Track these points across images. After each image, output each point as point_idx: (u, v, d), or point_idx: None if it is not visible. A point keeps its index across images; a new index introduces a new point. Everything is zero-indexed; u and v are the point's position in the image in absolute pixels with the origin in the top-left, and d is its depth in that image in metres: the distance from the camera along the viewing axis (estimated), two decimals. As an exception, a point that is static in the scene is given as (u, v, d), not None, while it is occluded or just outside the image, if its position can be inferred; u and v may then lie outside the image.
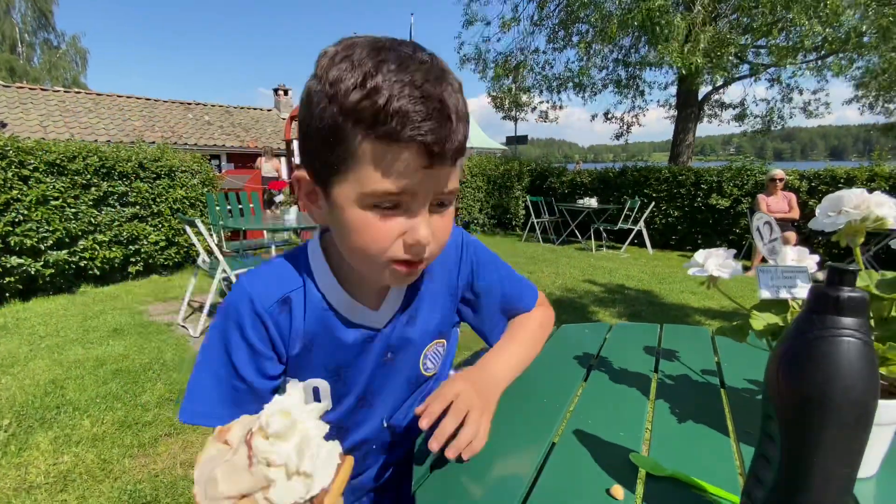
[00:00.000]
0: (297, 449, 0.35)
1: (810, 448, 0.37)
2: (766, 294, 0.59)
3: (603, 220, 7.07)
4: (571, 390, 0.79)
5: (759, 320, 0.60)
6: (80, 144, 4.28)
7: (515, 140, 13.34)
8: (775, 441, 0.40)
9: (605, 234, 7.13)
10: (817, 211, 0.56)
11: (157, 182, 4.74)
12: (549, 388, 0.80)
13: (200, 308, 3.56)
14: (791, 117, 10.73)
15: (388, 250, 0.51)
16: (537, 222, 7.42)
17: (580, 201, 7.14)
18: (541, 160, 8.86)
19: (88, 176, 4.22)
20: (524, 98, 11.28)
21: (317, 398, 0.65)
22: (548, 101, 11.38)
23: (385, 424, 0.70)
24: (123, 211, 4.50)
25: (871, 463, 0.56)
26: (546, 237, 7.52)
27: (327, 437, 0.39)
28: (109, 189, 4.37)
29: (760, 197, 5.23)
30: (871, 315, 0.49)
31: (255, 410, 0.44)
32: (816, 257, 0.67)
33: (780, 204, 5.13)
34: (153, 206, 4.70)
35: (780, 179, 5.21)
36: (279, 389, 0.63)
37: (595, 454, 0.60)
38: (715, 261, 0.65)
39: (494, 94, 11.13)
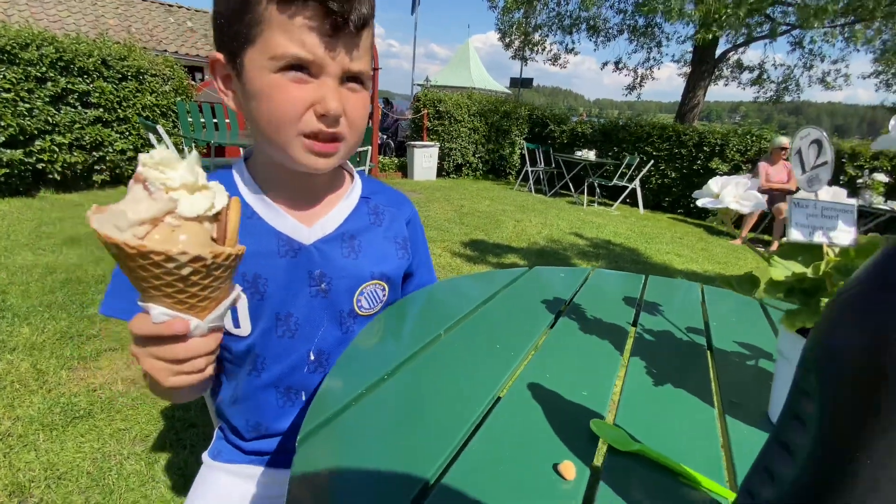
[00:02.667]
0: (188, 169, 0.36)
1: (864, 443, 0.24)
2: (797, 235, 0.44)
3: (599, 174, 6.85)
4: (532, 338, 0.66)
5: (781, 269, 0.46)
6: (34, 32, 3.83)
7: (520, 82, 12.65)
8: (807, 427, 0.26)
9: (598, 190, 6.94)
10: (892, 123, 0.40)
11: (123, 84, 4.33)
12: (507, 332, 0.67)
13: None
14: (809, 86, 10.32)
15: (298, 121, 0.52)
16: (531, 171, 7.16)
17: (578, 153, 6.86)
18: (544, 107, 8.40)
19: (44, 68, 3.81)
20: (535, 37, 10.54)
21: (234, 317, 0.54)
22: (559, 44, 10.67)
23: (312, 357, 0.63)
24: (85, 112, 4.13)
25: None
26: (539, 188, 7.29)
27: None
28: (69, 86, 3.97)
29: (762, 164, 5.05)
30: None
31: None
32: (855, 200, 0.52)
33: (780, 174, 4.98)
34: (119, 111, 4.33)
35: (786, 148, 5.01)
36: None
37: (547, 416, 0.48)
38: (733, 190, 0.50)
39: (504, 28, 10.37)
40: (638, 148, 6.94)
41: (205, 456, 0.71)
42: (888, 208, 4.52)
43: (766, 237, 5.62)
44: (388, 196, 0.73)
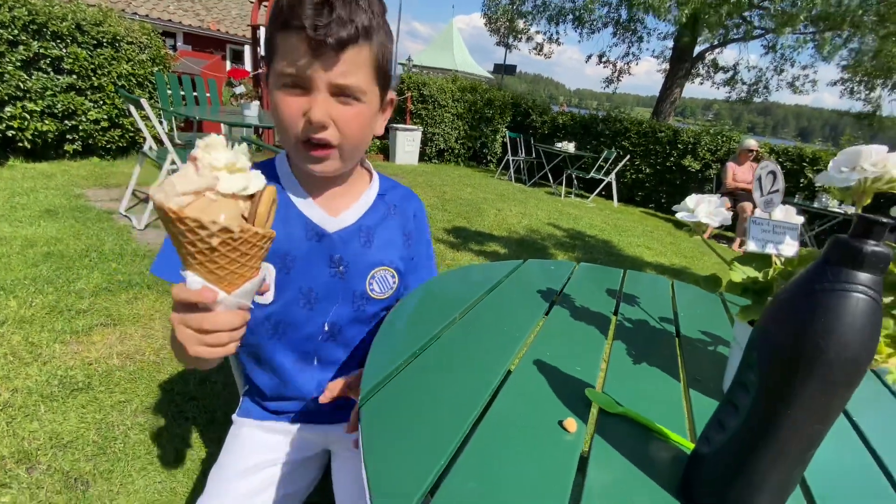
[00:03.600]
0: (232, 153, 0.42)
1: (787, 401, 0.35)
2: (753, 246, 0.56)
3: (577, 166, 7.03)
4: (532, 323, 0.77)
5: (738, 272, 0.58)
6: (4, -10, 3.62)
7: (503, 69, 12.66)
8: (749, 390, 0.38)
9: (576, 182, 7.14)
10: (830, 165, 0.51)
11: (98, 51, 4.16)
12: (510, 318, 0.78)
13: (146, 199, 3.32)
14: (777, 90, 10.76)
15: (295, 128, 0.60)
16: (513, 160, 7.28)
17: (558, 144, 7.01)
18: (527, 97, 8.47)
19: (16, 31, 3.62)
20: (521, 24, 10.54)
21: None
22: (545, 33, 10.72)
23: (325, 328, 0.74)
24: (58, 79, 3.96)
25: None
26: (519, 177, 7.43)
27: None
28: (41, 50, 3.79)
29: (729, 164, 5.32)
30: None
31: None
32: (802, 218, 0.65)
33: (746, 174, 5.26)
34: (93, 79, 4.16)
35: (752, 150, 5.29)
36: None
37: (551, 385, 0.59)
38: (706, 207, 0.61)
39: (490, 13, 10.32)
40: (616, 142, 7.15)
41: (234, 416, 0.81)
42: (841, 211, 4.87)
43: (729, 234, 5.95)
44: (399, 193, 0.83)
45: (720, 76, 11.39)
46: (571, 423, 0.51)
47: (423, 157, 7.39)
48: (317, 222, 0.70)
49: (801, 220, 0.64)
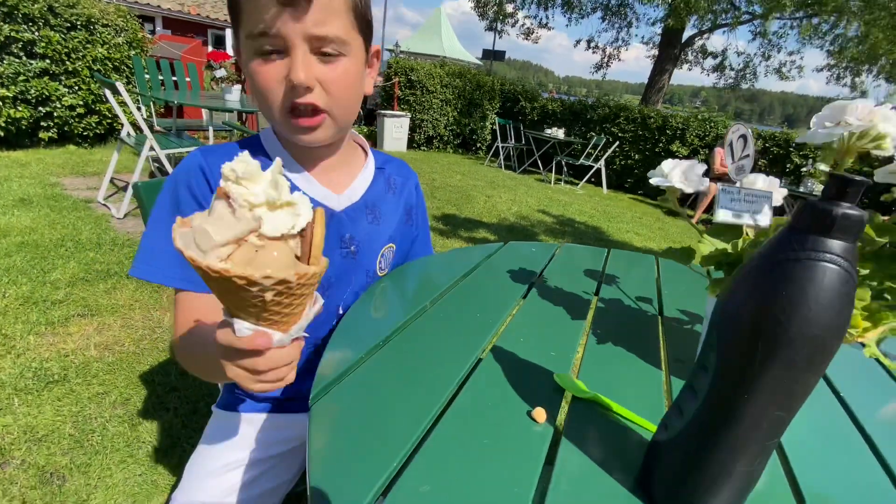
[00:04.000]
0: (272, 185, 0.34)
1: (745, 384, 0.33)
2: (723, 216, 0.55)
3: (566, 153, 7.01)
4: (508, 307, 0.75)
5: (707, 245, 0.56)
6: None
7: (492, 54, 12.51)
8: (708, 372, 0.36)
9: (565, 169, 7.12)
10: (813, 120, 0.49)
11: (72, 34, 4.00)
12: (486, 302, 0.76)
13: (125, 188, 3.24)
14: (766, 75, 10.80)
15: (277, 97, 0.55)
16: (502, 147, 7.23)
17: (548, 131, 6.98)
18: (517, 83, 8.39)
19: (-18, 13, 3.47)
20: (509, 7, 10.39)
21: None
22: (534, 17, 10.59)
23: (340, 311, 0.71)
24: (30, 63, 3.81)
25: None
26: (508, 164, 7.39)
27: None
28: (12, 34, 3.64)
29: (717, 149, 5.34)
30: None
31: None
32: (785, 191, 0.63)
33: (733, 160, 5.28)
34: (67, 63, 4.01)
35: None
36: None
37: (522, 373, 0.57)
38: (680, 171, 0.59)
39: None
40: (605, 129, 7.13)
41: (214, 408, 0.78)
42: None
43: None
44: (396, 166, 0.80)
45: (709, 62, 11.39)
46: (540, 412, 0.48)
47: (411, 144, 7.30)
48: (322, 201, 0.66)
49: (784, 192, 0.62)
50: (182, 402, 1.48)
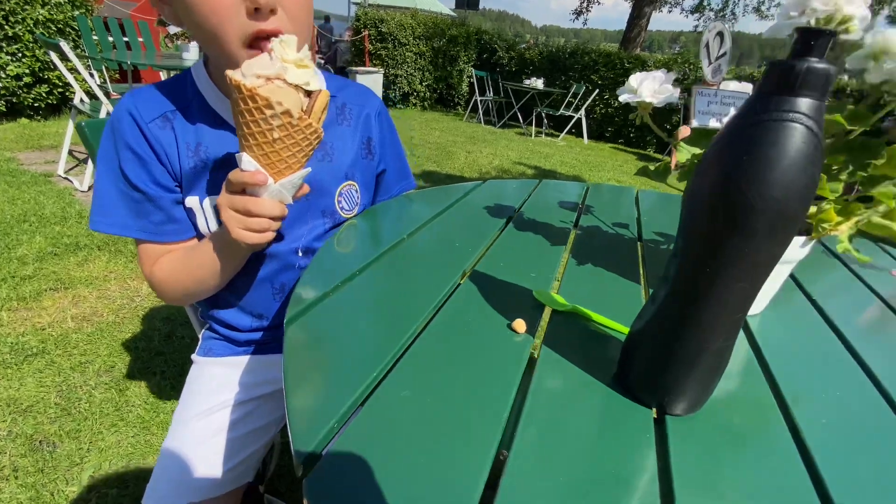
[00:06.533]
0: (303, 53, 0.48)
1: (706, 257, 0.32)
2: (699, 121, 0.53)
3: (546, 104, 6.87)
4: (486, 238, 0.74)
5: (684, 152, 0.55)
6: None
7: (466, 3, 11.95)
8: (677, 257, 0.35)
9: (546, 121, 7.01)
10: (778, 13, 0.47)
11: (7, -6, 3.66)
12: (463, 235, 0.74)
13: (86, 160, 3.08)
14: (744, 15, 10.59)
15: (232, 25, 0.50)
16: (481, 101, 7.05)
17: (527, 81, 6.79)
18: (492, 33, 8.06)
19: None
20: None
21: (218, 218, 0.61)
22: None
23: (300, 254, 0.69)
24: (-37, 29, 3.50)
25: (759, 300, 0.58)
26: (488, 119, 7.23)
27: None
28: (-66, -5, 3.31)
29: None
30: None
31: (160, 220, 0.61)
32: (750, 86, 0.62)
33: (712, 102, 5.26)
34: (6, 27, 3.69)
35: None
36: (183, 204, 0.63)
37: (502, 293, 0.56)
38: (650, 85, 0.57)
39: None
40: (584, 76, 6.98)
41: (194, 356, 0.76)
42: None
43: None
44: (354, 93, 0.73)
45: (688, 2, 11.09)
46: (520, 323, 0.48)
47: (386, 101, 7.06)
48: None
49: (750, 87, 0.61)
50: (169, 365, 1.47)
